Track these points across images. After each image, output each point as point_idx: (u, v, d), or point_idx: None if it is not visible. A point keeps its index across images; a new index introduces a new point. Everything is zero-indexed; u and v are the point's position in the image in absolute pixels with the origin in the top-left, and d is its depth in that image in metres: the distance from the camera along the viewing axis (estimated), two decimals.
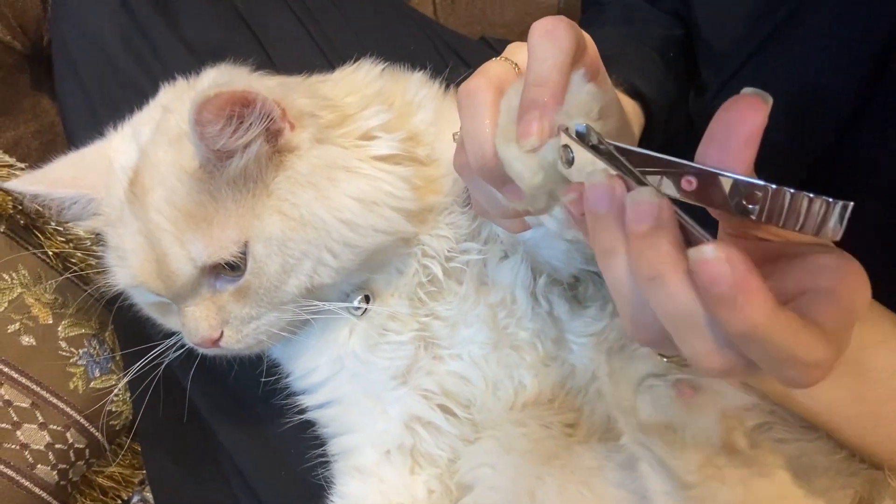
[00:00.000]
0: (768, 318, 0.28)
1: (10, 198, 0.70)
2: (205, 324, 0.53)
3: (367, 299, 0.58)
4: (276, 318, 0.54)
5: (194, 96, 0.46)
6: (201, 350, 0.56)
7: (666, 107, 0.66)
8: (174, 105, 0.55)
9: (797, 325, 0.29)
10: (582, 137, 0.36)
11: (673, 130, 0.68)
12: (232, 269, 0.52)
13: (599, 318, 0.58)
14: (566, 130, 0.36)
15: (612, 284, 0.35)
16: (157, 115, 0.56)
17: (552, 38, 0.38)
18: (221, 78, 0.55)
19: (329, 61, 0.73)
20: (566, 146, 0.36)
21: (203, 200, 0.50)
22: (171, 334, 0.59)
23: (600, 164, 0.34)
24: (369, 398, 0.59)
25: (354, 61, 0.61)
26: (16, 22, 0.84)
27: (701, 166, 0.34)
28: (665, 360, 0.42)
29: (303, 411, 0.62)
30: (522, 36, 0.41)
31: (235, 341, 0.54)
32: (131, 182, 0.53)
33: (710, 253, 0.28)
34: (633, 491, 0.50)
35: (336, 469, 0.61)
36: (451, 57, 0.83)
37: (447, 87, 0.64)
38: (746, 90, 0.32)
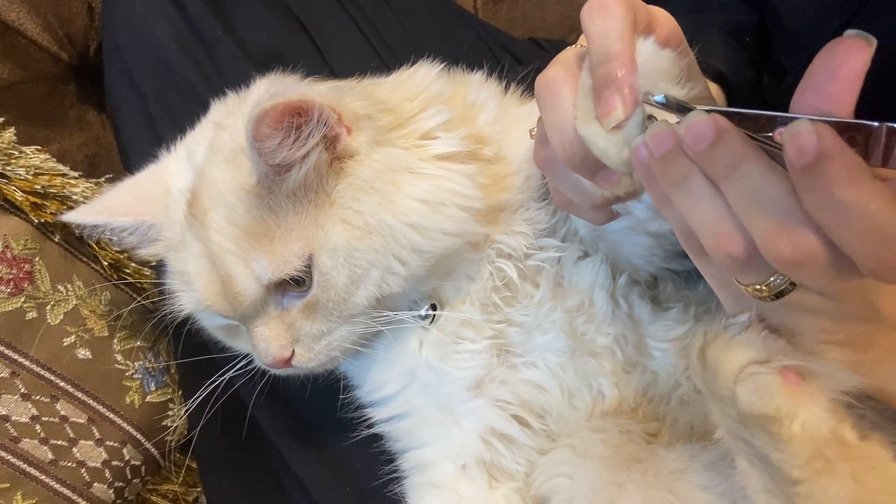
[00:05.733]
0: (857, 181, 0.29)
1: (64, 206, 0.69)
2: (275, 343, 0.52)
3: (433, 308, 0.57)
4: (348, 331, 0.53)
5: (249, 111, 0.45)
6: (274, 371, 0.55)
7: (745, 91, 0.64)
8: (226, 121, 0.55)
9: (888, 195, 0.30)
10: (664, 106, 0.36)
11: None
12: (298, 284, 0.51)
13: (682, 321, 0.56)
14: (647, 101, 0.37)
15: (688, 212, 0.36)
16: (210, 132, 0.56)
17: (603, 11, 0.39)
18: (273, 88, 0.54)
19: (384, 62, 0.72)
20: (650, 117, 0.36)
21: (263, 216, 0.49)
22: (236, 356, 0.59)
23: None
24: (443, 411, 0.57)
25: (411, 63, 0.60)
26: (62, 32, 0.83)
27: (794, 115, 0.32)
28: (745, 288, 0.40)
29: (371, 425, 0.60)
30: (564, 38, 0.40)
31: (308, 359, 0.53)
32: (189, 204, 0.53)
33: (800, 126, 0.30)
34: (720, 493, 0.48)
35: (409, 485, 0.59)
36: (505, 56, 0.81)
37: (506, 85, 0.63)
38: (850, 32, 0.31)
